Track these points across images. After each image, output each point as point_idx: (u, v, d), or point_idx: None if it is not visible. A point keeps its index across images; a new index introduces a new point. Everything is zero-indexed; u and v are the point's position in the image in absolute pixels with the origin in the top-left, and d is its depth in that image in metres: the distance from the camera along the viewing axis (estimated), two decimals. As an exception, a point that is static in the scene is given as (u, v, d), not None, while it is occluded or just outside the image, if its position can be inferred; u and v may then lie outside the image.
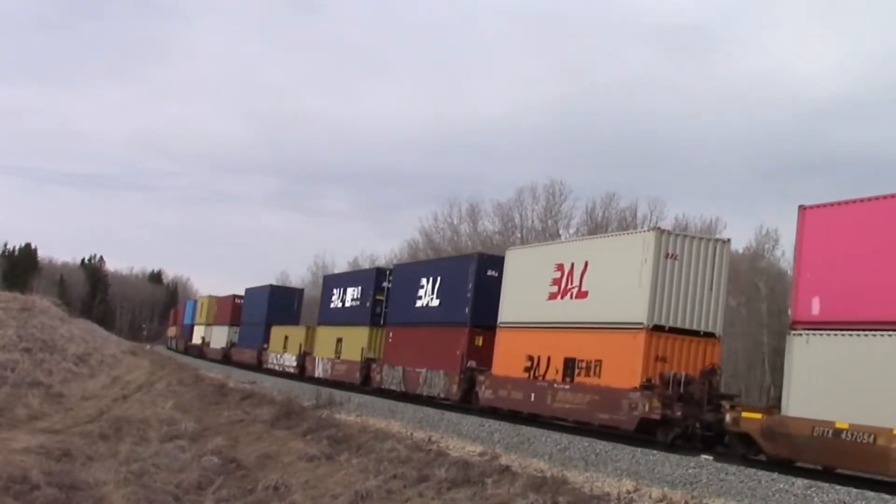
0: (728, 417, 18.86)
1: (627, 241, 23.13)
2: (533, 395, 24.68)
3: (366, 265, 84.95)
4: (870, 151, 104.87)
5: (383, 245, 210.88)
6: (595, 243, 26.11)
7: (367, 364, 37.09)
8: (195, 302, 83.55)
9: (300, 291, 62.50)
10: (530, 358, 25.23)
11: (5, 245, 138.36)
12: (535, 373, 24.96)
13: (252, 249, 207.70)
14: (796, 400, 17.15)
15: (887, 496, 13.46)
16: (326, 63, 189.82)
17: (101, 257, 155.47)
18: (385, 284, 37.93)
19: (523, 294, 26.39)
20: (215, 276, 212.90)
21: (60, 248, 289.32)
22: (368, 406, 29.14)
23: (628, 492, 14.42)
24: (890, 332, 15.71)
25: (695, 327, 21.53)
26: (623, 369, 21.42)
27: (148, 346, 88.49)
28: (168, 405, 32.48)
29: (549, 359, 24.43)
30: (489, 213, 75.26)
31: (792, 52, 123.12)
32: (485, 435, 22.28)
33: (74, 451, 22.87)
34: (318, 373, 43.01)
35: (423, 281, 33.20)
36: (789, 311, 18.68)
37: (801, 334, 17.46)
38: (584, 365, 22.93)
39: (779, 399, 18.70)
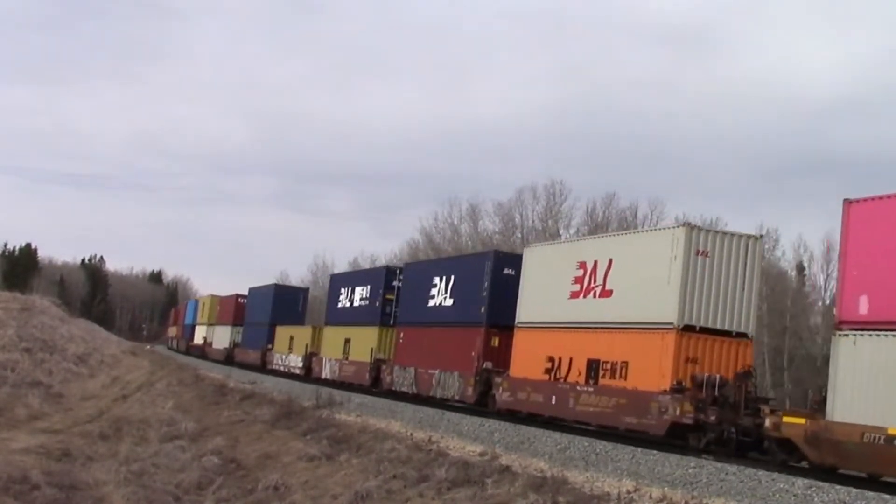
0: (768, 422, 17.90)
1: (655, 238, 22.15)
2: (554, 397, 23.68)
3: (366, 265, 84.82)
4: (870, 151, 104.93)
5: (383, 245, 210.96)
6: (619, 240, 24.92)
7: (376, 365, 36.10)
8: (197, 301, 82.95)
9: (305, 291, 61.52)
10: (551, 359, 24.27)
11: (5, 245, 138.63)
12: (556, 375, 24.00)
13: (252, 249, 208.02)
14: (842, 405, 16.18)
15: (887, 496, 13.43)
16: (326, 63, 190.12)
17: (101, 257, 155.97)
18: (395, 283, 36.85)
19: (543, 293, 25.39)
20: (215, 276, 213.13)
21: (60, 248, 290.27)
22: (368, 406, 29.05)
23: (628, 492, 14.38)
24: None
25: (726, 327, 20.61)
26: (651, 371, 20.54)
27: (148, 346, 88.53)
28: (168, 405, 32.44)
29: (571, 360, 23.49)
30: (489, 213, 75.21)
31: (792, 53, 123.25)
32: (485, 435, 22.21)
33: (74, 451, 22.83)
34: (326, 374, 41.98)
35: (436, 280, 32.20)
36: (835, 311, 17.76)
37: (847, 335, 16.57)
38: (608, 367, 22.00)
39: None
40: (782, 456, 17.67)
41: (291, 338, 49.63)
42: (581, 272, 23.74)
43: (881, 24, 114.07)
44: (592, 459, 18.20)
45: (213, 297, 72.86)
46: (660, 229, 22.52)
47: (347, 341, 40.13)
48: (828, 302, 60.61)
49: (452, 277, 31.08)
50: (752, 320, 21.05)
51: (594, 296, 23.09)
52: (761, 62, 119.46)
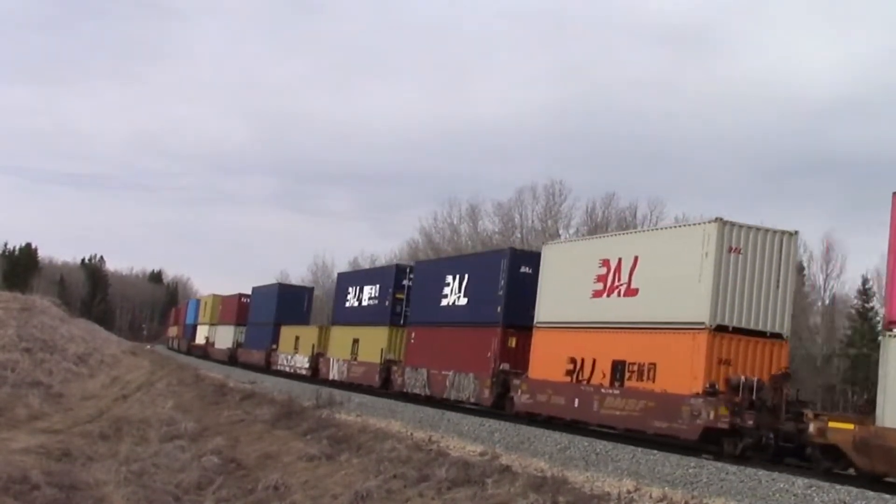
0: (812, 427, 17.04)
1: (685, 234, 21.26)
2: (577, 400, 22.78)
3: (366, 265, 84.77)
4: (870, 151, 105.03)
5: (383, 245, 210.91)
6: (646, 237, 23.95)
7: (387, 366, 35.14)
8: (198, 301, 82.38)
9: (310, 290, 60.68)
10: (573, 360, 23.42)
11: (5, 245, 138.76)
12: (578, 376, 23.17)
13: (252, 249, 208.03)
14: (893, 409, 15.39)
15: (888, 496, 13.42)
16: (326, 63, 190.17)
17: (101, 257, 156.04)
18: (405, 282, 35.96)
19: (564, 292, 24.58)
20: (215, 276, 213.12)
21: (60, 248, 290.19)
22: (368, 406, 29.00)
23: (629, 491, 14.37)
24: None
25: (760, 327, 19.81)
26: (682, 373, 19.69)
27: (148, 346, 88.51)
28: (168, 405, 32.46)
29: (594, 361, 22.63)
30: (489, 213, 75.20)
31: (792, 53, 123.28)
32: (485, 435, 22.17)
33: (74, 451, 22.89)
34: (333, 375, 41.03)
35: (449, 278, 31.29)
36: (884, 311, 17.04)
37: None
38: (635, 368, 21.15)
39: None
40: (826, 463, 16.91)
41: (297, 338, 48.90)
42: (604, 270, 22.95)
43: (881, 24, 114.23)
44: (592, 459, 18.16)
45: (214, 296, 72.28)
46: (690, 225, 21.29)
47: (356, 341, 39.26)
48: (827, 302, 60.75)
49: (466, 276, 30.29)
50: (787, 320, 20.24)
51: (619, 294, 22.30)
52: (761, 62, 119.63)
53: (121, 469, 20.33)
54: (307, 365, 45.40)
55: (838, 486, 14.13)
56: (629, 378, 21.29)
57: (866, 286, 56.25)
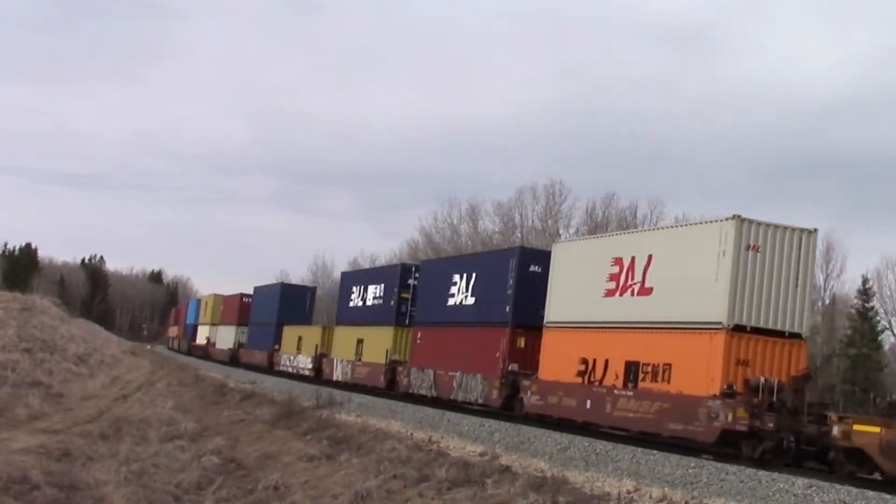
0: (836, 430, 16.62)
1: (701, 232, 20.62)
2: (589, 402, 22.26)
3: (366, 265, 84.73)
4: (870, 151, 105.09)
5: (383, 245, 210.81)
6: (660, 235, 23.41)
7: (392, 367, 34.48)
8: (199, 301, 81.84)
9: (312, 290, 59.65)
10: (584, 361, 22.92)
11: (5, 245, 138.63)
12: (590, 377, 22.66)
13: (252, 249, 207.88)
14: None
15: (888, 496, 13.42)
16: (326, 63, 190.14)
17: (101, 257, 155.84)
18: (411, 282, 35.31)
19: (575, 291, 24.07)
20: (215, 276, 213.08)
21: (60, 248, 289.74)
22: (368, 406, 28.97)
23: (629, 492, 14.36)
24: None
25: (779, 327, 19.34)
26: (698, 374, 19.21)
27: (148, 346, 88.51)
28: (168, 405, 32.49)
29: (606, 362, 22.13)
30: (489, 212, 75.24)
31: (792, 52, 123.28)
32: (485, 435, 22.13)
33: (74, 451, 22.92)
34: (337, 376, 40.43)
35: (456, 277, 30.70)
36: None
37: None
38: (649, 369, 20.66)
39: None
40: (850, 467, 16.63)
41: (300, 338, 48.40)
42: (617, 269, 22.46)
43: (881, 24, 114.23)
44: (592, 459, 18.14)
45: (216, 296, 71.64)
46: (706, 222, 20.78)
47: (360, 342, 38.70)
48: (827, 302, 60.71)
49: (474, 275, 29.77)
50: (806, 320, 19.91)
51: (632, 294, 21.83)
52: (761, 62, 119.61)
53: (121, 469, 20.37)
54: (310, 365, 44.95)
55: (838, 486, 14.12)
56: (643, 379, 20.84)
57: (866, 286, 56.28)
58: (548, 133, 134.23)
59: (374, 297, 38.23)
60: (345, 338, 40.97)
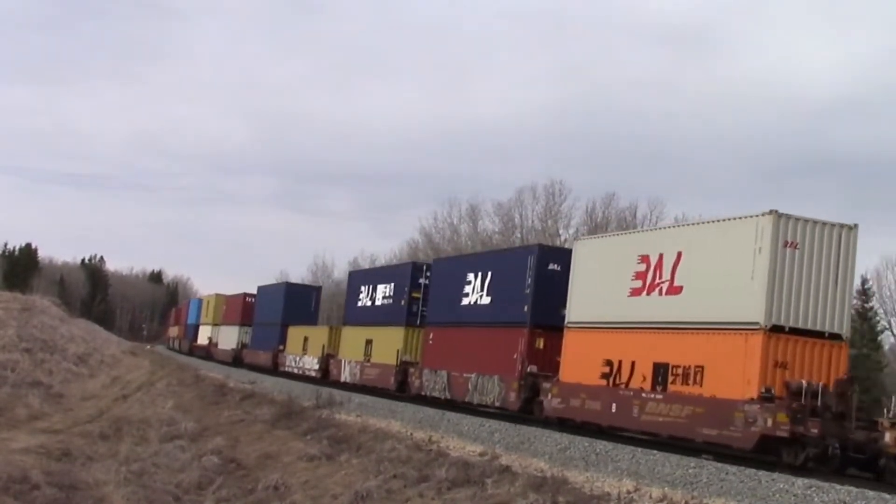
0: (888, 437, 15.91)
1: (735, 228, 19.66)
2: (614, 405, 21.47)
3: (366, 265, 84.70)
4: (870, 151, 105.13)
5: (383, 245, 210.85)
6: (690, 231, 22.34)
7: (403, 368, 33.57)
8: (200, 301, 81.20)
9: (318, 289, 58.88)
10: (609, 363, 22.10)
11: (5, 245, 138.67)
12: (615, 380, 21.84)
13: (252, 249, 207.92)
14: None
15: (887, 496, 13.42)
16: (326, 63, 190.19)
17: (101, 257, 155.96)
18: (422, 281, 34.45)
19: (598, 290, 23.28)
20: (215, 276, 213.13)
21: (60, 248, 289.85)
22: (368, 406, 28.94)
23: (628, 492, 14.34)
24: None
25: (818, 328, 18.50)
26: (733, 377, 18.39)
27: (148, 347, 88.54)
28: (168, 405, 32.47)
29: (633, 364, 21.32)
30: (489, 212, 75.08)
31: (791, 52, 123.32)
32: (485, 435, 22.11)
33: (74, 451, 22.92)
34: (345, 377, 39.54)
35: (470, 276, 29.90)
36: None
37: None
38: (679, 371, 19.81)
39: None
40: None
41: (306, 338, 47.55)
42: (643, 266, 21.61)
43: (881, 24, 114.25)
44: (592, 459, 18.12)
45: (218, 295, 70.82)
46: (741, 218, 19.82)
47: (369, 342, 37.86)
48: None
49: (489, 274, 28.96)
50: (847, 320, 19.03)
51: (660, 293, 21.00)
52: (761, 62, 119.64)
53: (121, 469, 20.37)
54: (317, 366, 44.02)
55: (838, 487, 14.10)
56: (673, 382, 20.00)
57: (866, 286, 56.24)
58: (548, 133, 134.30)
59: (384, 297, 37.45)
60: (353, 338, 40.19)
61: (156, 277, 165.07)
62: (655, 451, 18.11)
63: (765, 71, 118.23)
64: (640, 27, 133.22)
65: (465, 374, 28.61)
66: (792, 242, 18.43)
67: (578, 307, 24.03)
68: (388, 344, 35.46)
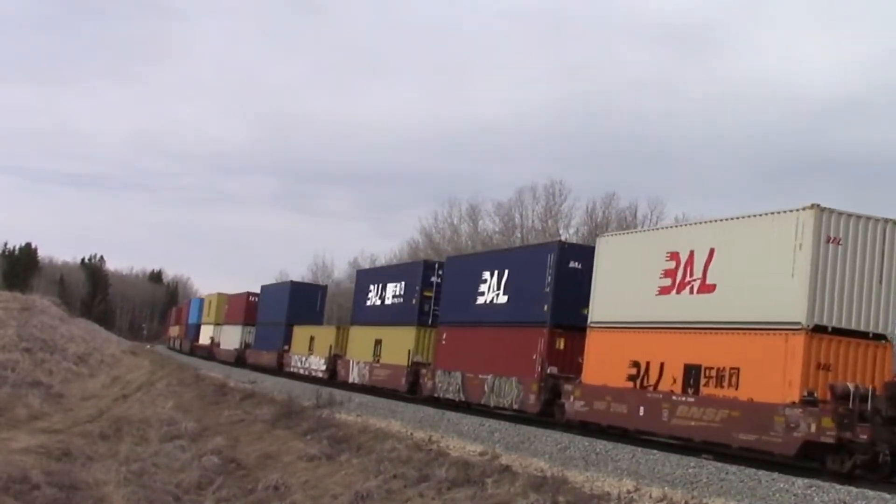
0: None
1: (774, 223, 18.67)
2: (642, 408, 20.59)
3: (366, 265, 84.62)
4: (870, 151, 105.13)
5: (383, 245, 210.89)
6: (724, 227, 21.07)
7: (415, 369, 32.67)
8: (202, 300, 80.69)
9: (323, 289, 58.05)
10: (635, 364, 21.27)
11: (5, 245, 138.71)
12: (643, 382, 21.00)
13: (252, 249, 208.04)
14: None
15: (888, 496, 13.41)
16: (326, 63, 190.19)
17: (102, 257, 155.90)
18: (434, 279, 33.64)
19: (623, 288, 22.45)
20: (215, 276, 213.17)
21: (60, 248, 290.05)
22: (368, 406, 28.94)
23: (628, 491, 14.31)
24: None
25: (863, 328, 17.62)
26: (773, 380, 17.54)
27: (148, 346, 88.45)
28: (168, 405, 32.43)
29: (661, 365, 20.50)
30: (489, 212, 75.17)
31: (792, 53, 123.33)
32: (485, 435, 22.09)
33: (74, 451, 22.90)
34: (354, 378, 38.59)
35: (486, 275, 29.02)
36: None
37: None
38: (713, 373, 19.01)
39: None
40: None
41: (312, 338, 46.56)
42: (673, 264, 20.82)
43: (881, 24, 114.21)
44: (592, 459, 18.10)
45: (220, 294, 70.21)
46: (780, 212, 18.88)
47: (378, 342, 36.98)
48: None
49: (506, 272, 28.10)
50: (892, 319, 18.05)
51: (691, 291, 20.17)
52: (761, 62, 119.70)
53: (121, 469, 20.36)
54: (324, 367, 43.12)
55: (838, 487, 14.08)
56: (706, 384, 19.19)
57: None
58: (548, 133, 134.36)
59: (394, 296, 36.65)
60: (361, 338, 39.31)
61: (156, 277, 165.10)
62: (655, 451, 18.11)
63: (765, 71, 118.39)
64: (640, 27, 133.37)
65: (480, 376, 27.83)
66: (835, 238, 17.58)
67: (603, 306, 23.26)
68: (399, 344, 34.61)
